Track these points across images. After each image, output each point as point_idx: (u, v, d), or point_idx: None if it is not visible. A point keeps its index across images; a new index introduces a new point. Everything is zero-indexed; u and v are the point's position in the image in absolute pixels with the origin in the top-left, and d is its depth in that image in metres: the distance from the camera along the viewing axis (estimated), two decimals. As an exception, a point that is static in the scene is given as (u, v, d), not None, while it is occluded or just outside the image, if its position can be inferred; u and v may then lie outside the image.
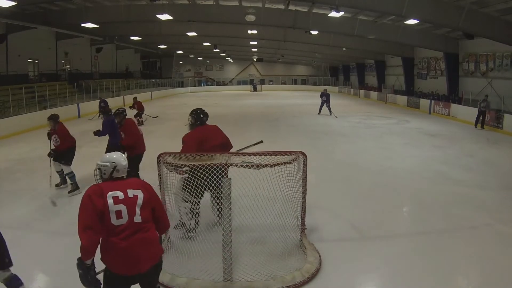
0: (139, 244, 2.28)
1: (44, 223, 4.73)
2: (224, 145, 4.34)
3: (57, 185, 6.09)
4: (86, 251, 2.18)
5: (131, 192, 2.34)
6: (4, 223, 4.73)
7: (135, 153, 5.62)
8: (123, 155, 2.52)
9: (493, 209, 5.13)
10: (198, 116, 4.33)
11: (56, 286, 3.41)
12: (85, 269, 2.22)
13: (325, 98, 16.79)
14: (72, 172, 5.88)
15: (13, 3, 10.16)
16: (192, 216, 4.04)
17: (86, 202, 2.23)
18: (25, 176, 6.99)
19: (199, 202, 3.96)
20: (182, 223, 4.15)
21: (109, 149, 5.82)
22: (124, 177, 2.45)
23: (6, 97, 13.33)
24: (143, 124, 13.60)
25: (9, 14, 13.99)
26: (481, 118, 12.98)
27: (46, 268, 3.67)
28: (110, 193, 2.27)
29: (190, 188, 3.71)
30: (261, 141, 4.55)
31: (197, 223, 4.09)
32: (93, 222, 2.18)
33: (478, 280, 3.46)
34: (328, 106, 16.49)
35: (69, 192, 5.83)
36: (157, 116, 15.46)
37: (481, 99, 13.34)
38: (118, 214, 2.25)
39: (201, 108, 4.48)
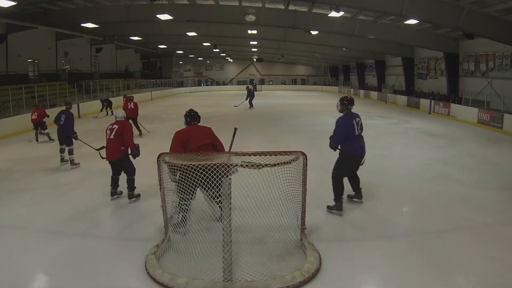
0: (109, 146, 5.39)
1: (44, 223, 4.73)
2: (212, 146, 4.43)
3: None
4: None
5: (114, 126, 5.40)
6: (4, 223, 4.74)
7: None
8: (122, 111, 5.80)
9: (493, 209, 5.13)
10: (186, 118, 4.66)
11: (56, 286, 3.41)
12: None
13: (248, 94, 19.98)
14: None
15: (13, 3, 10.16)
16: (179, 211, 4.11)
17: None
18: (25, 176, 6.99)
19: (188, 199, 4.03)
20: (171, 216, 4.19)
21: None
22: (118, 120, 5.53)
23: (6, 97, 13.33)
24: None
25: (9, 14, 14.00)
26: None
27: (46, 268, 3.67)
28: (108, 126, 5.47)
29: (181, 185, 3.81)
30: (236, 128, 5.07)
31: (184, 219, 4.14)
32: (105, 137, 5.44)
33: (478, 280, 3.46)
34: (248, 100, 19.83)
35: None
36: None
37: None
38: (107, 134, 5.41)
39: (190, 110, 4.73)
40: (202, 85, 40.76)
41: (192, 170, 3.57)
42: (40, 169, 7.45)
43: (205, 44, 26.24)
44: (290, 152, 3.71)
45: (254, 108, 19.71)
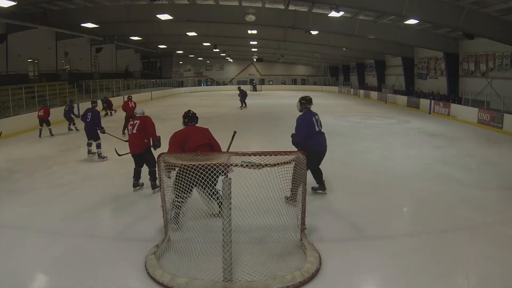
0: (132, 140, 5.78)
1: (44, 223, 4.73)
2: (209, 146, 4.55)
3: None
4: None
5: (135, 122, 5.78)
6: (4, 223, 4.75)
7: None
8: (141, 109, 6.14)
9: (493, 209, 5.13)
10: (184, 118, 4.80)
11: (56, 286, 3.41)
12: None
13: (241, 94, 20.31)
14: None
15: (13, 3, 10.16)
16: (172, 207, 4.16)
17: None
18: (25, 176, 6.99)
19: (183, 197, 4.10)
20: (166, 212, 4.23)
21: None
22: (138, 116, 5.92)
23: (6, 97, 13.33)
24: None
25: (9, 14, 13.99)
26: None
27: (46, 268, 3.67)
28: (130, 122, 5.86)
29: (178, 183, 3.91)
30: (235, 132, 5.33)
31: (177, 216, 4.20)
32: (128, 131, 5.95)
33: (478, 280, 3.46)
34: (244, 101, 20.28)
35: None
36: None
37: None
38: (130, 129, 5.77)
39: (188, 111, 4.86)
40: (202, 85, 40.76)
41: (190, 170, 3.61)
42: (40, 169, 7.45)
43: (205, 44, 26.22)
44: (290, 152, 3.71)
45: (245, 107, 20.11)
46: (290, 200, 5.04)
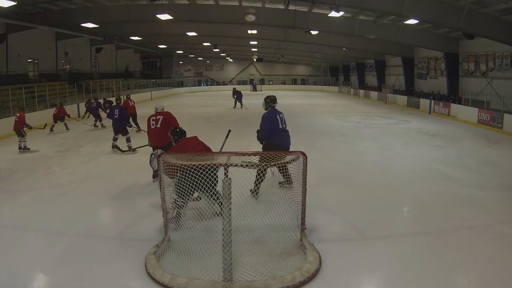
0: (156, 135, 6.15)
1: (44, 223, 4.73)
2: (205, 151, 4.72)
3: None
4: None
5: (158, 117, 6.21)
6: (4, 223, 4.75)
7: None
8: (161, 105, 6.57)
9: (493, 209, 5.14)
10: (173, 135, 5.03)
11: (56, 286, 3.41)
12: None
13: (236, 95, 20.31)
14: None
15: (13, 3, 10.16)
16: (174, 207, 4.22)
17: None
18: (25, 176, 6.99)
19: (184, 197, 4.14)
20: (167, 211, 4.24)
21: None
22: (159, 112, 6.36)
23: (6, 97, 13.33)
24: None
25: (9, 14, 13.99)
26: None
27: (46, 268, 3.67)
28: (152, 117, 6.26)
29: (179, 184, 3.97)
30: (229, 130, 5.73)
31: (178, 215, 4.25)
32: (148, 127, 6.33)
33: (478, 280, 3.46)
34: (240, 102, 20.25)
35: None
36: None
37: None
38: (152, 124, 6.20)
39: (174, 127, 5.13)
40: (202, 85, 40.75)
41: (192, 171, 3.62)
42: (40, 169, 7.46)
43: (205, 44, 26.22)
44: (290, 152, 3.72)
45: (241, 107, 20.09)
46: (253, 193, 5.13)
